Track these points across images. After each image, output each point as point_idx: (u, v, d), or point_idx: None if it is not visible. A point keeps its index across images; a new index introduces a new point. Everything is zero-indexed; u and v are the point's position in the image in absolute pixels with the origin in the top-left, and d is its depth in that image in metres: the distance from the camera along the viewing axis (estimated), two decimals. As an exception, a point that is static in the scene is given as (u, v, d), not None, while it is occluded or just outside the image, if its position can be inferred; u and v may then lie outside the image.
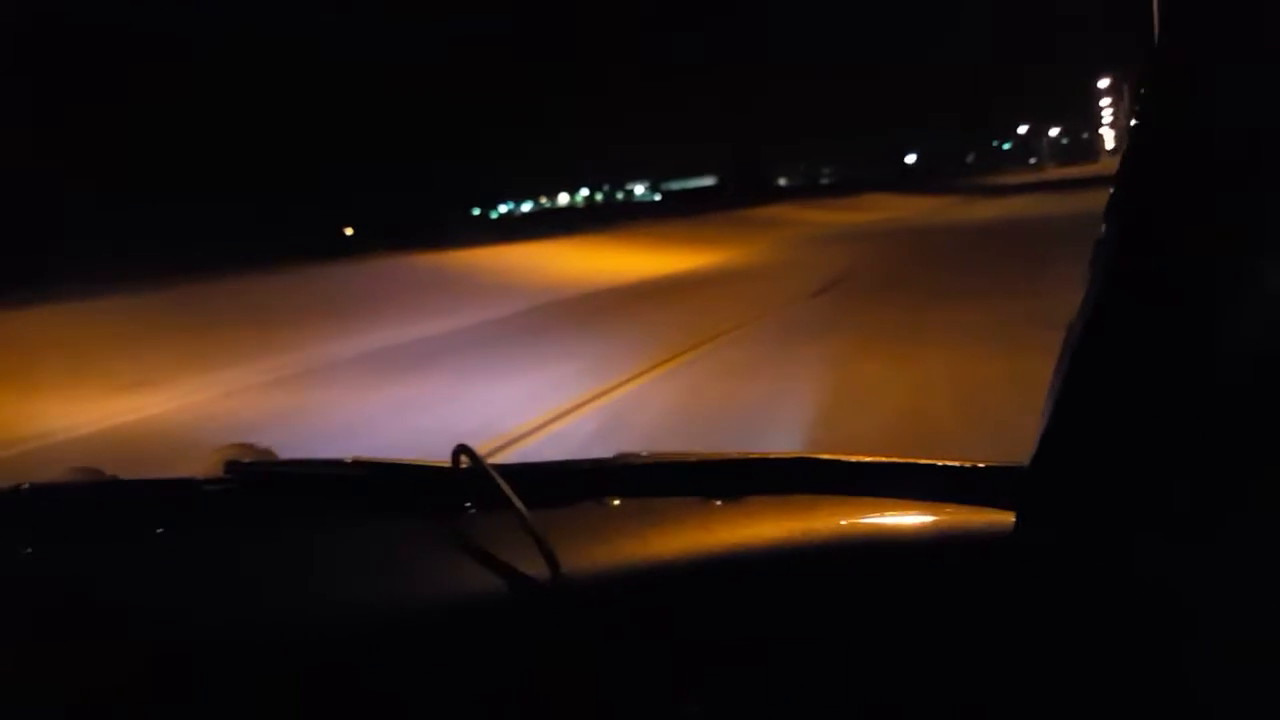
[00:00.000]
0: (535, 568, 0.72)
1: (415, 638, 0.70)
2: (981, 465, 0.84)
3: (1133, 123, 0.56)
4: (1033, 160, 78.75)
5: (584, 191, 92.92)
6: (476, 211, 59.17)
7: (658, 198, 74.98)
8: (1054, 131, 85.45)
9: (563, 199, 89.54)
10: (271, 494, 0.99)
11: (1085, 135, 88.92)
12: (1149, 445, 0.60)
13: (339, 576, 0.78)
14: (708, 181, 72.74)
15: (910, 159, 76.52)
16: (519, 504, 0.76)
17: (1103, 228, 0.58)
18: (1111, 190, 0.57)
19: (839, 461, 0.90)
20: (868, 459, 0.90)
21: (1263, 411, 0.55)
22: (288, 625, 0.72)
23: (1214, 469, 0.58)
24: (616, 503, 0.90)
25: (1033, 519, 0.69)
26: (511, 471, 0.84)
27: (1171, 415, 0.58)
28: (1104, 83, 61.86)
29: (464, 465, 0.86)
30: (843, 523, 0.79)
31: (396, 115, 38.75)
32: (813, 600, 0.73)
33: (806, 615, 0.73)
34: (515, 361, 7.49)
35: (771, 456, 0.94)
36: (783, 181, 70.23)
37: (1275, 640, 0.57)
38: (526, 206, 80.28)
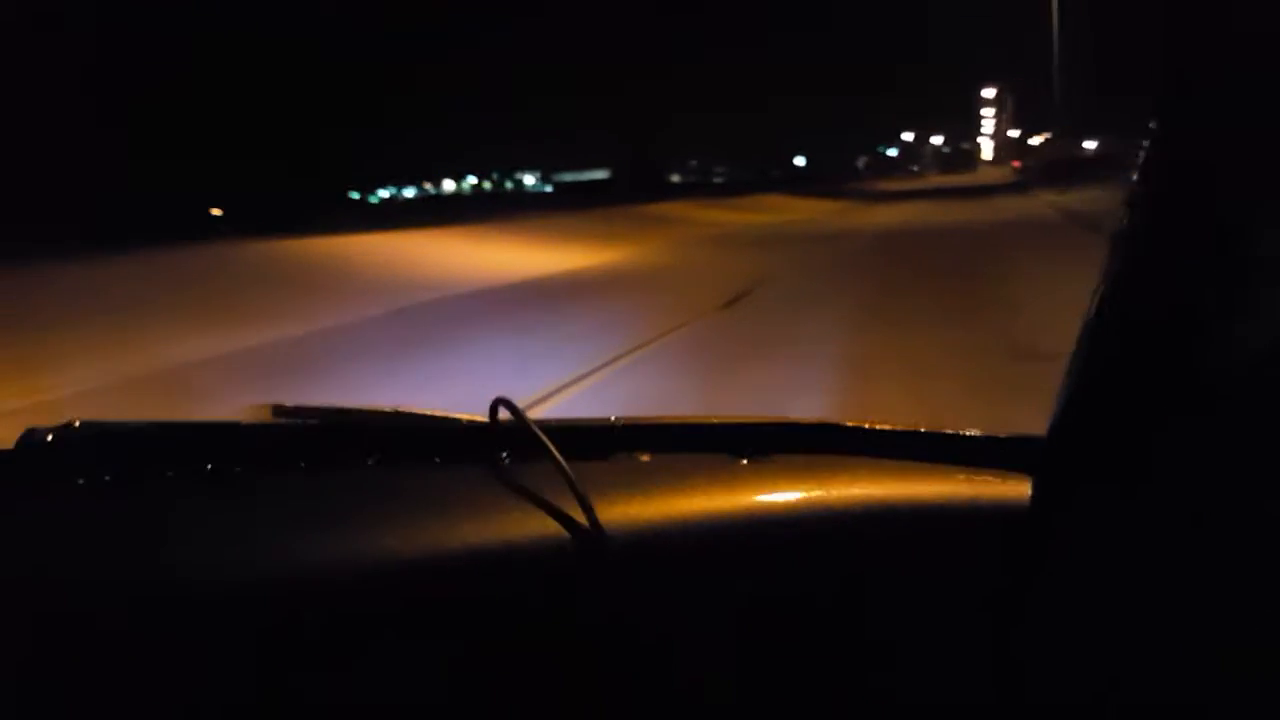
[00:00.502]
0: (571, 516, 0.75)
1: (455, 579, 0.73)
2: (1001, 436, 0.86)
3: (1152, 125, 0.58)
4: (915, 168, 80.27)
5: (472, 179, 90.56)
6: (355, 196, 56.36)
7: (549, 189, 73.39)
8: (937, 140, 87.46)
9: (449, 186, 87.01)
10: (315, 439, 1.01)
11: (965, 145, 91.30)
12: (1164, 421, 0.60)
13: (381, 519, 0.79)
14: (600, 175, 71.51)
15: (800, 162, 76.88)
16: (557, 455, 0.79)
17: (1123, 213, 0.60)
18: (1135, 175, 0.59)
19: (862, 428, 0.91)
20: (889, 427, 0.91)
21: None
22: (331, 564, 0.74)
23: (1227, 450, 0.58)
24: (646, 458, 0.92)
25: (1049, 490, 0.70)
26: (547, 427, 0.86)
27: (1189, 395, 0.58)
28: (988, 93, 63.07)
29: (503, 419, 0.89)
30: (865, 482, 0.81)
31: (273, 91, 36.01)
32: (836, 555, 0.76)
33: (830, 568, 0.76)
34: (362, 382, 5.86)
35: (796, 421, 0.96)
36: (675, 179, 69.55)
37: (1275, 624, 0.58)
38: (410, 192, 77.48)
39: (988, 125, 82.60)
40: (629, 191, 36.50)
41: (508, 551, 0.74)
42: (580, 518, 0.75)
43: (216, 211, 31.13)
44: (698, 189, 46.02)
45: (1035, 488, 0.72)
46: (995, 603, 0.71)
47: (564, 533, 0.75)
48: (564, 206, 28.35)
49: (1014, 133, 68.83)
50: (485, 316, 9.00)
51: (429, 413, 1.01)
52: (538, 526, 0.76)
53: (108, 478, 0.93)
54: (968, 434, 0.89)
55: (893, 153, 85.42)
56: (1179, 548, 0.61)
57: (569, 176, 74.23)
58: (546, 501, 0.78)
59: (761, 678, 0.76)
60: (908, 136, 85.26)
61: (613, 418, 1.00)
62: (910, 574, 0.75)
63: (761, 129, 72.07)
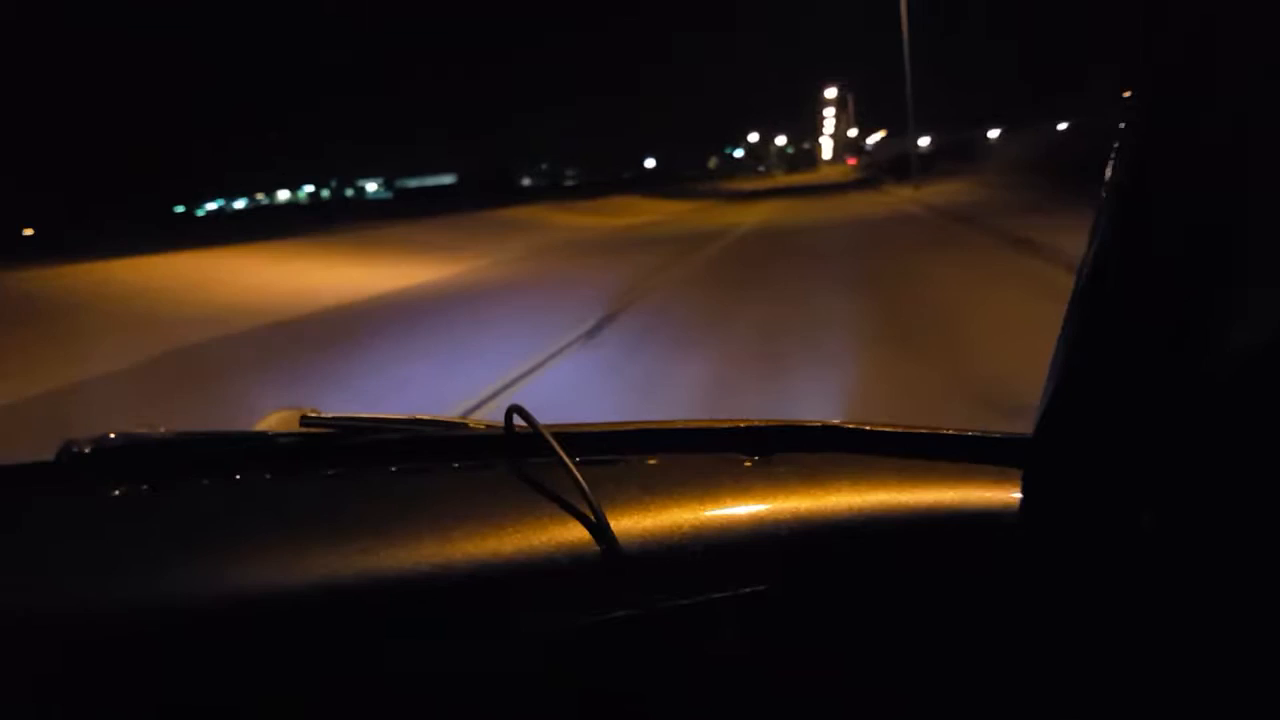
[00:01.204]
0: (585, 517, 0.78)
1: (475, 582, 0.74)
2: (996, 434, 0.88)
3: (1129, 108, 0.58)
4: (761, 168, 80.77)
5: (309, 188, 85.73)
6: (181, 209, 51.67)
7: (391, 196, 69.85)
8: (780, 140, 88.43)
9: (283, 195, 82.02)
10: (341, 447, 1.02)
11: (806, 145, 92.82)
12: (1151, 419, 0.60)
13: (404, 525, 0.81)
14: (446, 180, 68.60)
15: (650, 163, 76.00)
16: (568, 459, 0.82)
17: (1102, 195, 0.59)
18: (1110, 168, 0.58)
19: (864, 429, 0.94)
20: (887, 428, 0.93)
21: (1261, 396, 0.55)
22: (357, 570, 0.75)
23: (1211, 448, 0.58)
24: (654, 461, 0.94)
25: (1037, 487, 0.72)
26: (560, 433, 0.90)
27: (1174, 391, 0.58)
28: (830, 92, 63.67)
29: (517, 427, 0.92)
30: (869, 479, 0.83)
31: (103, 101, 31.94)
32: (839, 550, 0.77)
33: (833, 563, 0.78)
34: None
35: (800, 423, 0.98)
36: (526, 182, 67.44)
37: (1262, 620, 0.58)
38: (240, 204, 72.36)
39: (828, 125, 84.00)
40: (477, 196, 34.59)
41: (525, 554, 0.76)
42: (592, 519, 0.77)
43: (28, 231, 27.79)
44: (548, 192, 44.35)
45: (1024, 485, 0.73)
46: (992, 599, 0.72)
47: (577, 534, 0.77)
48: (408, 214, 26.10)
49: (852, 132, 69.98)
50: (254, 368, 6.79)
51: (449, 419, 1.04)
52: (552, 528, 0.78)
53: (144, 487, 0.96)
54: (969, 433, 0.89)
55: (739, 153, 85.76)
56: (1164, 545, 0.60)
57: (413, 182, 71.08)
58: (560, 504, 0.80)
59: (770, 675, 0.76)
60: (753, 137, 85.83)
61: (620, 422, 1.03)
62: (911, 568, 0.76)
63: (611, 131, 70.77)
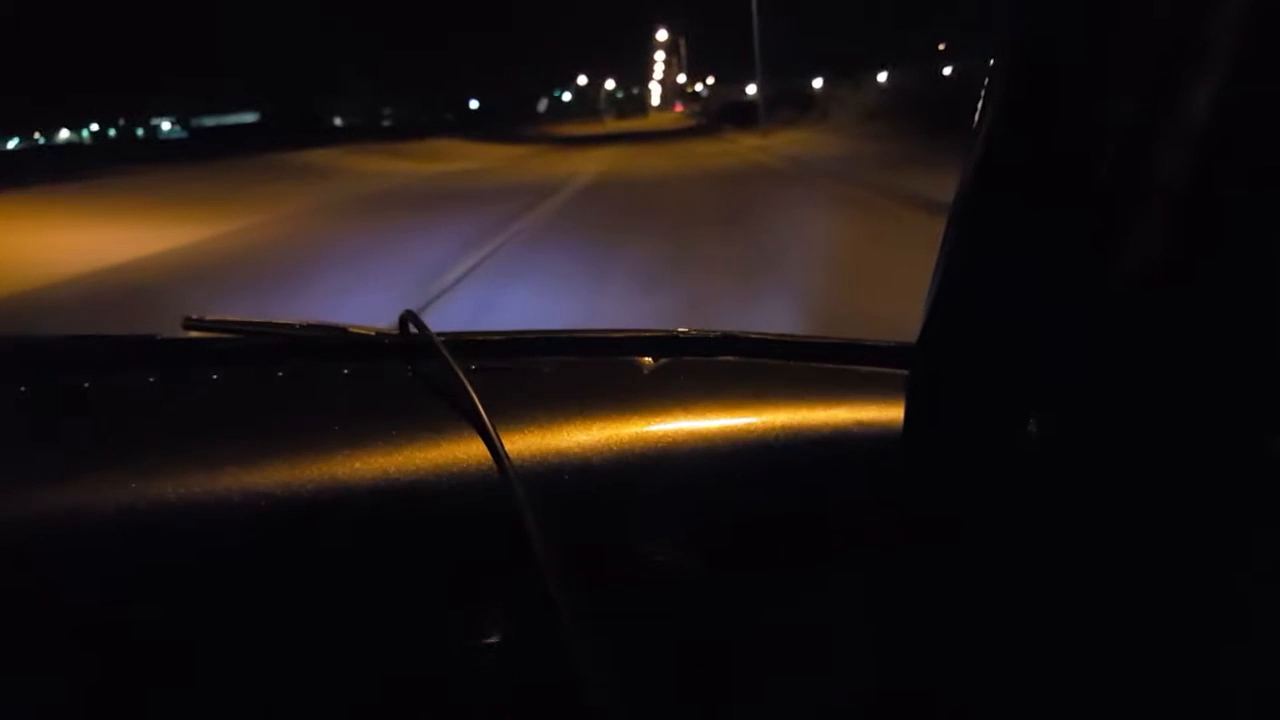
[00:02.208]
0: (471, 425, 0.75)
1: (359, 489, 0.72)
2: (887, 343, 0.87)
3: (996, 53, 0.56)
4: (603, 109, 77.75)
5: (94, 126, 76.43)
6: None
7: (186, 135, 62.67)
8: (610, 84, 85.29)
9: (64, 135, 72.88)
10: (228, 350, 1.00)
11: (636, 90, 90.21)
12: (1035, 326, 0.58)
13: (287, 429, 0.78)
14: (248, 118, 61.97)
15: (474, 105, 71.35)
16: (457, 367, 0.80)
17: (979, 105, 0.57)
18: (986, 79, 0.56)
19: (761, 337, 0.93)
20: (783, 337, 0.93)
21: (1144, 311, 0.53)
22: (231, 473, 0.72)
23: (1098, 353, 0.56)
24: (550, 366, 0.93)
25: (919, 393, 0.69)
26: (455, 340, 0.90)
27: (1059, 298, 0.57)
28: (661, 34, 61.07)
29: (411, 331, 0.90)
30: (763, 380, 0.82)
31: None
32: (738, 450, 0.75)
33: (732, 462, 0.74)
34: None
35: (697, 334, 0.96)
36: (338, 121, 61.91)
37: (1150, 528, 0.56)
38: (12, 144, 63.31)
39: (658, 70, 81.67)
40: (280, 136, 30.33)
41: (408, 465, 0.73)
42: (481, 426, 0.74)
43: None
44: (362, 133, 39.92)
45: (907, 392, 0.70)
46: (877, 507, 0.71)
47: (465, 443, 0.74)
48: (195, 157, 22.05)
49: (681, 78, 67.99)
50: None
51: (338, 325, 0.99)
52: (438, 438, 0.75)
53: (23, 389, 0.93)
54: (863, 341, 0.88)
55: (567, 97, 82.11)
56: (1050, 453, 0.59)
57: (211, 121, 63.85)
58: (449, 411, 0.77)
59: (666, 585, 0.72)
60: (581, 80, 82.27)
61: (520, 330, 1.02)
62: (800, 469, 0.74)
63: (431, 68, 65.69)
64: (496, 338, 0.98)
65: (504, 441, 0.72)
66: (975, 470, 0.63)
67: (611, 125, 53.80)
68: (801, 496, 0.73)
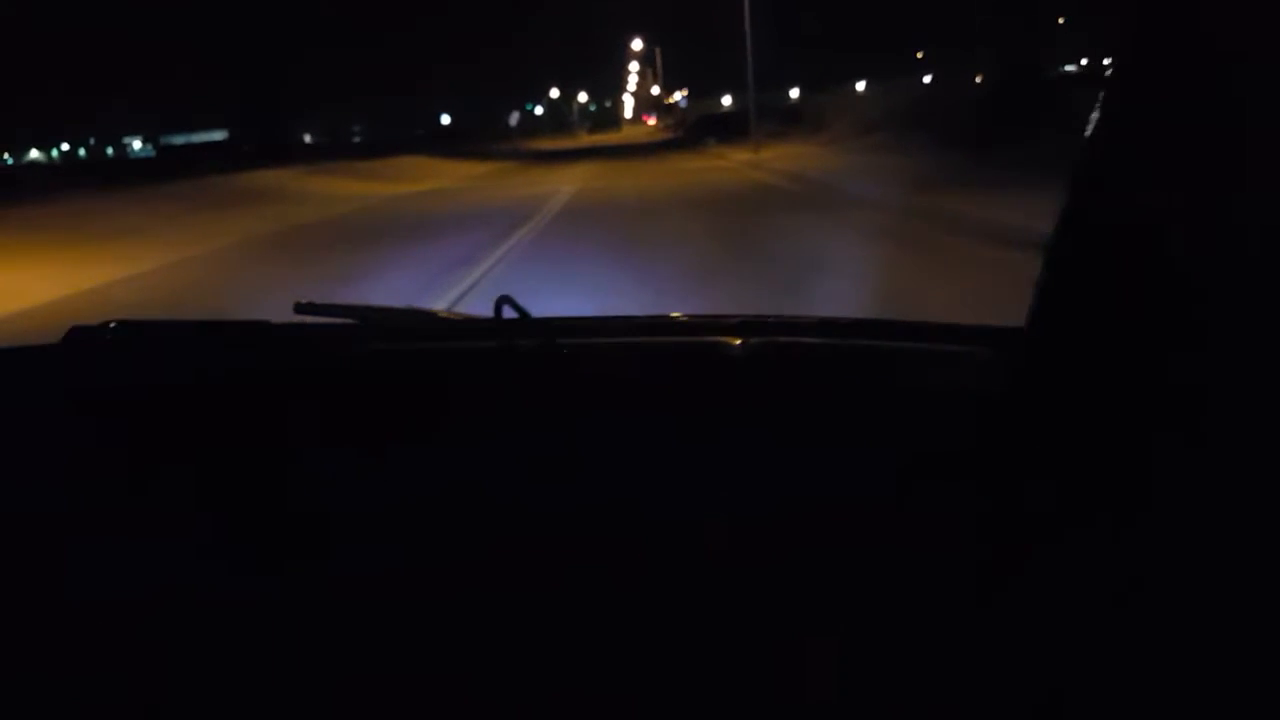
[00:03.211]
0: (567, 401, 0.81)
1: (470, 458, 0.78)
2: (986, 325, 0.86)
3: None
4: (577, 121, 75.52)
5: (65, 146, 73.42)
6: None
7: (154, 154, 60.01)
8: (583, 97, 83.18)
9: (34, 155, 69.89)
10: (339, 334, 1.04)
11: (608, 103, 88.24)
12: (1139, 318, 0.58)
13: (402, 407, 0.84)
14: (217, 136, 59.26)
15: (446, 120, 68.98)
16: (555, 341, 0.87)
17: (1093, 116, 0.58)
18: (1108, 77, 0.57)
19: (852, 320, 0.96)
20: (874, 319, 0.96)
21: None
22: (350, 457, 0.79)
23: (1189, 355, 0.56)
24: (637, 348, 0.95)
25: (1028, 373, 0.69)
26: (547, 321, 0.97)
27: (1157, 294, 0.57)
28: (636, 44, 59.02)
29: (505, 316, 0.95)
30: (852, 360, 0.86)
31: None
32: (823, 426, 0.75)
33: (819, 438, 0.75)
34: None
35: (787, 318, 0.98)
36: (308, 139, 59.37)
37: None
38: (-31, 164, 60.42)
39: (632, 82, 79.73)
40: (243, 156, 28.23)
41: (512, 440, 0.77)
42: (573, 399, 0.78)
43: None
44: (330, 150, 37.72)
45: (1015, 369, 0.71)
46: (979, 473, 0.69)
47: (561, 420, 0.78)
48: (148, 178, 19.96)
49: (654, 90, 66.02)
50: None
51: (438, 311, 1.06)
52: (537, 411, 0.79)
53: (146, 373, 0.95)
54: (961, 325, 0.88)
55: (539, 110, 79.94)
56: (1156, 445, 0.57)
57: (179, 139, 61.06)
58: (548, 388, 0.81)
59: (756, 558, 0.71)
60: (554, 93, 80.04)
61: (612, 315, 1.05)
62: (904, 442, 0.74)
63: (404, 86, 63.38)
64: (589, 323, 1.03)
65: (594, 414, 0.76)
66: (1081, 445, 0.61)
67: (586, 139, 51.85)
68: (896, 469, 0.71)
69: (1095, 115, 0.57)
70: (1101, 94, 0.57)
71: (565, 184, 16.14)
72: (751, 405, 0.77)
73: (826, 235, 7.64)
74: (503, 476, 0.76)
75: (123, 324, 1.02)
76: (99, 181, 19.53)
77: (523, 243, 8.77)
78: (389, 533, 0.73)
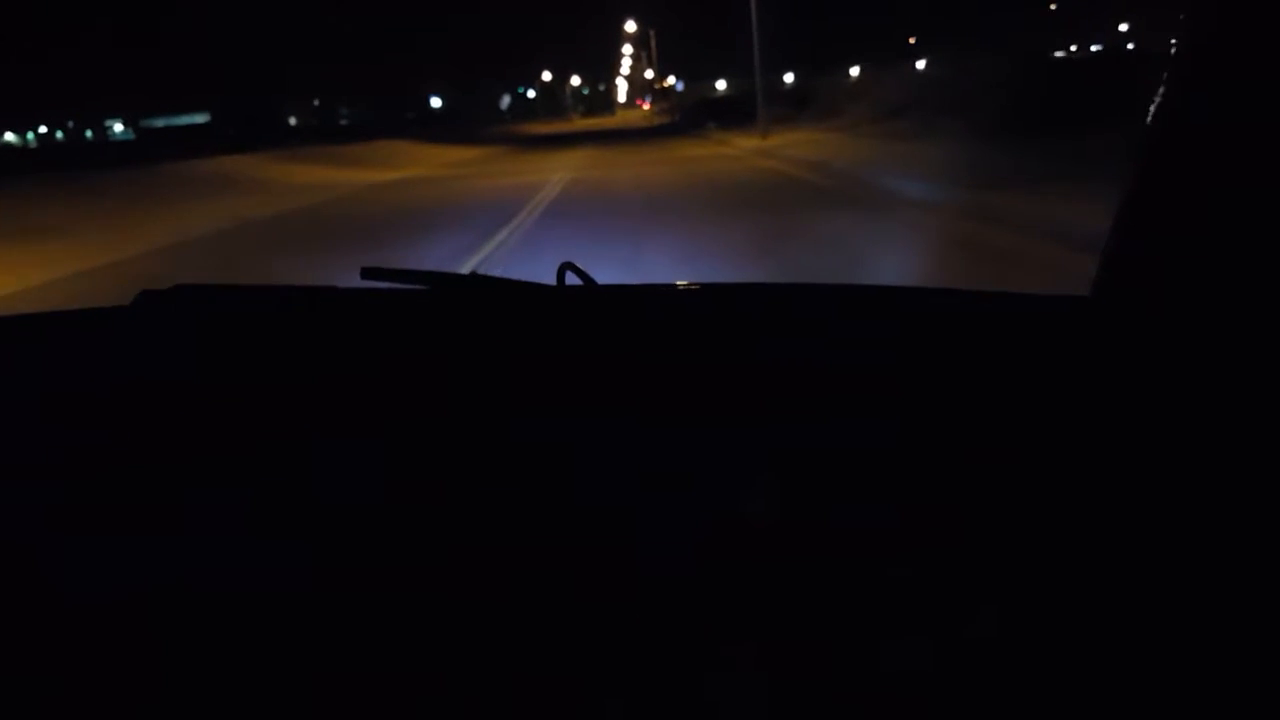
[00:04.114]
0: (624, 363, 0.81)
1: (528, 425, 0.76)
2: (1053, 293, 0.84)
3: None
4: (575, 106, 73.29)
5: (43, 129, 70.90)
6: None
7: (133, 137, 57.71)
8: (575, 81, 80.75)
9: (10, 138, 67.43)
10: (404, 299, 1.03)
11: (602, 87, 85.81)
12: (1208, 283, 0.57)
13: (465, 372, 0.83)
14: (199, 119, 56.97)
15: (436, 103, 66.65)
16: (610, 313, 0.89)
17: (1160, 91, 0.57)
18: (1174, 53, 0.57)
19: (914, 288, 0.99)
20: (935, 288, 0.97)
21: None
22: (419, 404, 0.79)
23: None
24: (693, 314, 0.96)
25: (1093, 340, 0.69)
26: (608, 287, 1.00)
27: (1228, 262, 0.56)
28: (630, 27, 56.72)
29: (567, 282, 0.98)
30: (911, 327, 0.86)
31: None
32: (883, 392, 0.75)
33: (883, 403, 0.75)
34: None
35: (851, 286, 1.00)
36: (293, 121, 57.13)
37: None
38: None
39: (626, 66, 77.50)
40: (227, 139, 26.73)
41: (576, 401, 0.76)
42: (630, 362, 0.78)
43: None
44: (313, 134, 35.85)
45: (1077, 341, 0.70)
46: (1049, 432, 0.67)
47: (625, 383, 0.78)
48: (101, 165, 18.04)
49: (648, 74, 63.92)
50: None
51: (501, 278, 1.02)
52: (600, 375, 0.79)
53: (214, 336, 0.95)
54: (1017, 293, 0.87)
55: (532, 94, 77.56)
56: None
57: (160, 122, 58.68)
58: (609, 350, 0.81)
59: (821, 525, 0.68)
60: (546, 76, 77.62)
61: (674, 283, 1.04)
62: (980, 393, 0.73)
63: (394, 67, 61.04)
64: (656, 290, 1.04)
65: (651, 374, 0.77)
66: (1149, 411, 0.60)
67: (579, 123, 50.08)
68: (961, 427, 0.70)
69: (1159, 95, 0.56)
70: (1166, 75, 0.56)
71: (556, 172, 14.29)
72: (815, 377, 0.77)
73: (886, 246, 5.89)
74: (556, 453, 0.72)
75: (185, 288, 1.02)
76: (37, 167, 17.65)
77: (511, 246, 7.01)
78: (471, 497, 0.69)
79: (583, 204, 9.95)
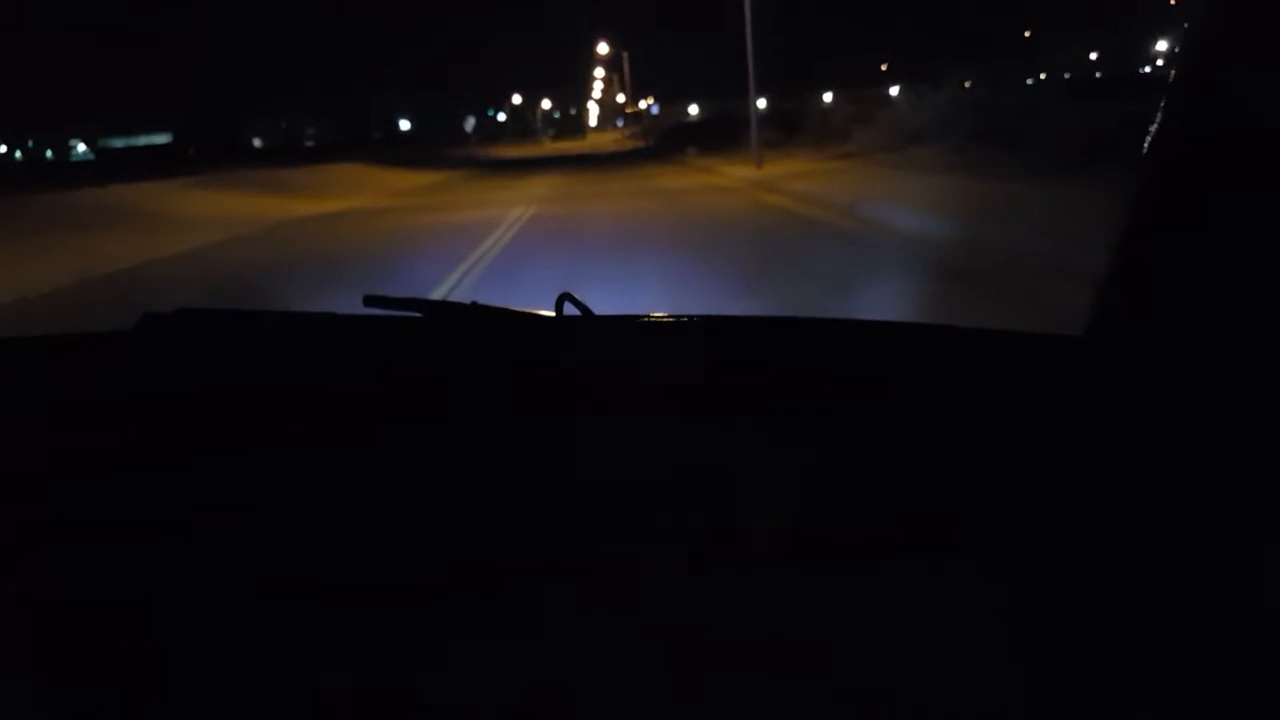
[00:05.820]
0: (620, 391, 0.80)
1: (528, 439, 0.77)
2: (1047, 332, 0.84)
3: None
4: (546, 129, 70.61)
5: (2, 149, 66.99)
6: None
7: (93, 158, 54.19)
8: (546, 104, 77.99)
9: (-39, 155, 63.50)
10: (406, 326, 1.02)
11: (573, 110, 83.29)
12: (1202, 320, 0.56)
13: (464, 401, 0.83)
14: (161, 139, 53.56)
15: (405, 125, 63.62)
16: (607, 342, 0.88)
17: (1158, 117, 0.56)
18: (1172, 80, 0.54)
19: (916, 323, 0.97)
20: (939, 324, 0.93)
21: None
22: (423, 423, 0.80)
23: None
24: (689, 344, 0.95)
25: (1091, 376, 0.68)
26: (606, 318, 0.98)
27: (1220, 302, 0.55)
28: (602, 48, 54.13)
29: (565, 313, 0.97)
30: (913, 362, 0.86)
31: None
32: (891, 424, 0.75)
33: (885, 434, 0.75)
34: None
35: (847, 320, 0.98)
36: (258, 142, 53.88)
37: None
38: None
39: (597, 89, 75.05)
40: (183, 160, 24.12)
41: (577, 429, 0.76)
42: (626, 389, 0.76)
43: None
44: (274, 155, 32.94)
45: (1072, 379, 0.70)
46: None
47: (621, 401, 0.76)
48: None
49: (620, 98, 61.49)
50: None
51: (502, 307, 1.02)
52: (597, 404, 0.77)
53: (216, 360, 0.94)
54: (1023, 331, 0.87)
55: (502, 117, 74.83)
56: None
57: (120, 142, 55.18)
58: (606, 376, 0.80)
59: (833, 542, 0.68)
60: (516, 99, 74.82)
61: (675, 314, 1.02)
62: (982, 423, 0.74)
63: (361, 88, 58.03)
64: (640, 319, 1.02)
65: (648, 399, 0.76)
66: (1147, 443, 0.59)
67: (550, 146, 47.50)
68: (969, 459, 0.70)
69: (1158, 118, 0.55)
70: (1164, 99, 0.55)
71: (518, 204, 11.51)
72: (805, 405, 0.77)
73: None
74: (553, 474, 0.73)
75: (188, 311, 1.02)
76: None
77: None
78: (454, 520, 0.70)
79: (545, 256, 7.16)
